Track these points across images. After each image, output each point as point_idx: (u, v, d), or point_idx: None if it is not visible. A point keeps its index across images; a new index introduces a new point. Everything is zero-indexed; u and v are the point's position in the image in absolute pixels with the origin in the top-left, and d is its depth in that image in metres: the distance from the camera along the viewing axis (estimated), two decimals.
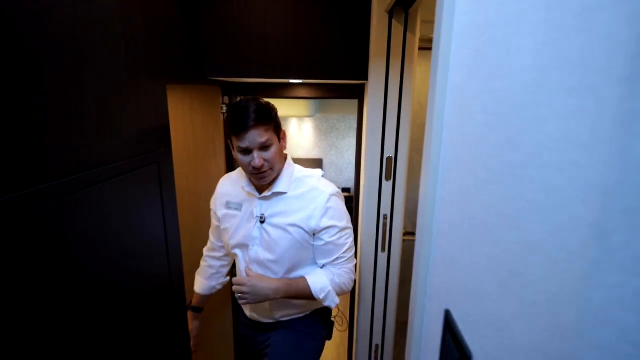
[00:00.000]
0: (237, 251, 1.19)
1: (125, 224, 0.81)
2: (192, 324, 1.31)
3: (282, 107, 3.67)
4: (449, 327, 0.50)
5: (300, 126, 4.80)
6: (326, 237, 1.09)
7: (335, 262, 1.12)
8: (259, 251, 1.12)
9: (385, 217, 1.41)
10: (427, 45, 2.10)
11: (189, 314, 1.31)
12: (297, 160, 5.03)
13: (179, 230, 1.14)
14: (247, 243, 1.14)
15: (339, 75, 1.42)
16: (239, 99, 1.75)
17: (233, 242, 1.18)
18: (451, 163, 0.53)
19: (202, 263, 1.36)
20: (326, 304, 1.11)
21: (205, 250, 1.37)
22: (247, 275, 1.11)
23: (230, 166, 1.74)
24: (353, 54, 1.39)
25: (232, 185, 1.21)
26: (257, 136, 0.98)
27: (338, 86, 1.65)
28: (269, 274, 1.13)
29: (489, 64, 0.41)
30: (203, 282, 1.33)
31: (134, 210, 0.87)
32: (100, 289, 0.70)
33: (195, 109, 1.69)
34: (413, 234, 1.64)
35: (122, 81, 0.77)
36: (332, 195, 1.08)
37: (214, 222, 1.30)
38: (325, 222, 1.07)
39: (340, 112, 4.09)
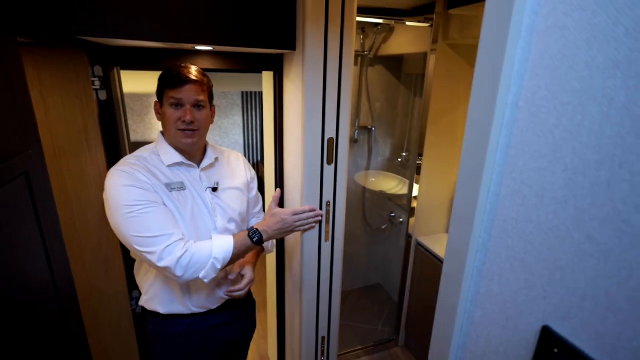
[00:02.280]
0: (212, 233, 1.06)
1: None
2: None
3: (155, 81, 3.04)
4: (559, 347, 0.42)
5: None
6: (254, 187, 1.27)
7: (260, 210, 1.31)
8: (222, 222, 1.10)
9: (328, 204, 1.29)
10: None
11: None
12: None
13: (69, 266, 0.77)
14: (209, 217, 1.07)
15: (262, 43, 1.17)
16: (116, 70, 1.30)
17: (191, 224, 1.03)
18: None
19: (198, 243, 0.97)
20: (272, 251, 1.33)
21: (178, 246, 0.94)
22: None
23: (114, 160, 1.30)
24: (279, 17, 1.17)
25: (154, 168, 1.03)
26: (193, 92, 1.00)
27: (252, 56, 1.39)
28: None
29: None
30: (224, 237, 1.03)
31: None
32: None
33: (49, 85, 1.17)
34: None
35: None
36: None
37: (162, 209, 0.96)
38: (251, 174, 1.26)
39: (223, 87, 3.66)
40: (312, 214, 1.24)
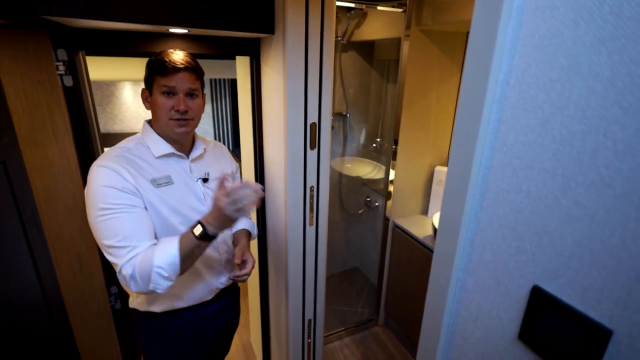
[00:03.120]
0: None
1: None
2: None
3: (118, 68, 2.87)
4: (548, 304, 0.47)
5: (138, 92, 3.94)
6: (238, 178, 1.26)
7: None
8: None
9: (312, 189, 1.30)
10: None
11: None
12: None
13: (51, 258, 0.74)
14: (201, 208, 1.05)
15: (241, 26, 1.14)
16: (81, 54, 1.22)
17: (183, 218, 1.00)
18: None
19: (144, 253, 0.88)
20: (255, 235, 1.31)
21: (127, 262, 0.86)
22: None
23: (86, 151, 1.23)
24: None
25: (140, 160, 0.98)
26: (186, 80, 0.96)
27: (227, 40, 1.35)
28: (228, 231, 1.15)
29: None
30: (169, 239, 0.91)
31: None
32: None
33: (8, 71, 1.08)
34: None
35: None
36: None
37: (136, 216, 0.90)
38: (235, 165, 1.25)
39: None
40: (248, 191, 0.89)
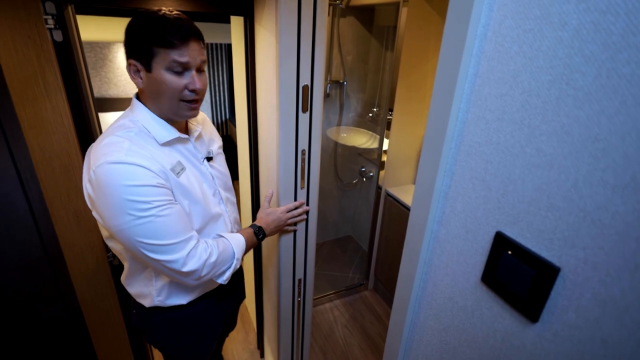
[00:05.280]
0: (220, 207, 1.04)
1: None
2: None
3: (110, 28, 2.79)
4: (508, 247, 0.50)
5: None
6: (221, 151, 1.16)
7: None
8: (223, 192, 1.07)
9: (303, 152, 1.32)
10: None
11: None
12: None
13: (50, 216, 0.76)
14: (212, 192, 1.01)
15: None
16: (70, 8, 1.19)
17: (200, 207, 0.94)
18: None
19: (207, 242, 0.90)
20: None
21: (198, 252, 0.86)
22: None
23: (79, 110, 1.23)
24: None
25: (152, 151, 0.83)
26: (198, 52, 0.82)
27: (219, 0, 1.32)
28: (235, 208, 1.17)
29: None
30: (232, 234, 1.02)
31: None
32: None
33: None
34: None
35: None
36: None
37: (178, 209, 0.84)
38: (217, 134, 1.19)
39: None
40: (300, 209, 1.34)
